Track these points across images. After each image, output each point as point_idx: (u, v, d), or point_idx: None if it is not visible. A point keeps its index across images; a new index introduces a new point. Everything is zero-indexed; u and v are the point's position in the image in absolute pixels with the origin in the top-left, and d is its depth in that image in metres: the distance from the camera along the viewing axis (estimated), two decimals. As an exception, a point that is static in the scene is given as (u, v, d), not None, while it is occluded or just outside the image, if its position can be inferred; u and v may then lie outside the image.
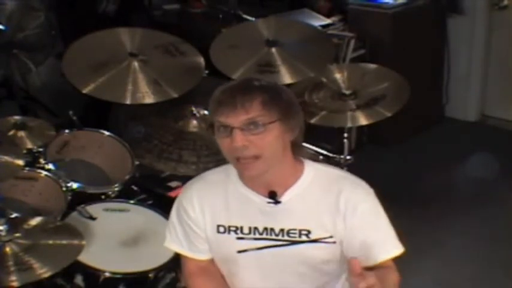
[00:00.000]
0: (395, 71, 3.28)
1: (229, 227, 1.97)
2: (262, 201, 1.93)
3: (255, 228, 1.95)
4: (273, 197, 1.92)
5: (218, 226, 1.98)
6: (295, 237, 1.93)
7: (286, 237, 1.93)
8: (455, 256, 3.57)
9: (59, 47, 4.14)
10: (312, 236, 1.92)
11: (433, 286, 3.39)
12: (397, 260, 1.95)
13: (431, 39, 4.78)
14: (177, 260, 2.50)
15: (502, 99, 4.92)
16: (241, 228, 1.96)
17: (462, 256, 3.57)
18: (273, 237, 1.94)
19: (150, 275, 2.52)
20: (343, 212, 1.90)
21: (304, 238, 1.92)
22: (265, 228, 1.94)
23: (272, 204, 1.93)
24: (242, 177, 1.94)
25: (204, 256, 2.06)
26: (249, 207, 1.95)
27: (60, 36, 4.27)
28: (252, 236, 1.95)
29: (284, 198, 1.93)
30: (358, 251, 1.91)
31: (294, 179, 1.94)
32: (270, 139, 1.84)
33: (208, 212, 1.99)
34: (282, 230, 1.93)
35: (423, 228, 3.74)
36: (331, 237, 1.92)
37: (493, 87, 4.97)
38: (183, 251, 2.08)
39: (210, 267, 2.07)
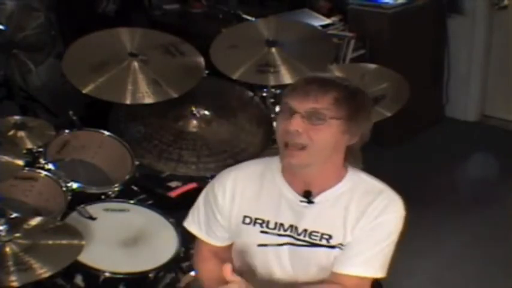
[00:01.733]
0: (395, 71, 3.28)
1: (256, 219, 1.97)
2: (296, 198, 1.93)
3: (281, 224, 1.94)
4: (307, 196, 1.92)
5: (245, 217, 1.98)
6: (315, 240, 1.92)
7: (307, 238, 1.93)
8: (455, 256, 3.58)
9: (59, 47, 4.15)
10: (332, 242, 1.92)
11: (432, 286, 3.39)
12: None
13: (431, 39, 4.78)
14: (177, 260, 2.51)
15: (502, 99, 4.92)
16: (268, 222, 1.96)
17: (462, 256, 3.57)
18: (295, 235, 1.94)
19: (150, 275, 2.52)
20: (365, 217, 1.89)
21: (324, 242, 1.92)
22: (291, 226, 1.94)
23: (304, 204, 1.92)
24: (284, 167, 1.93)
25: (219, 243, 2.07)
26: (280, 201, 1.95)
27: (60, 36, 4.28)
28: (276, 231, 1.95)
29: (317, 199, 1.92)
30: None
31: (332, 183, 1.93)
32: (326, 135, 1.83)
33: (238, 201, 1.99)
34: (305, 231, 1.93)
35: (423, 228, 3.74)
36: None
37: (493, 87, 4.97)
38: (200, 234, 2.08)
39: (222, 254, 2.08)
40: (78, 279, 2.48)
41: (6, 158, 2.57)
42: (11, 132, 2.96)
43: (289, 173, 1.94)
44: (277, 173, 1.97)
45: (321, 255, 1.93)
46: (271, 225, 1.95)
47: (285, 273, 1.98)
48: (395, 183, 1.98)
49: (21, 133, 2.97)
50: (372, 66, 3.48)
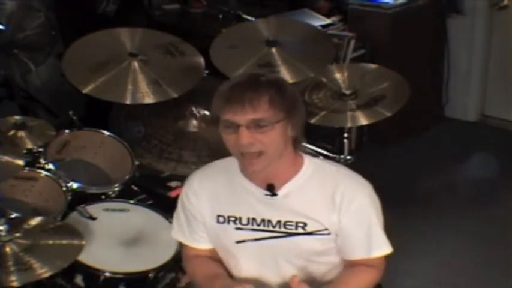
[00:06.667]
0: (395, 71, 3.28)
1: (229, 217, 2.01)
2: (260, 192, 1.98)
3: (253, 219, 1.99)
4: (271, 189, 1.96)
5: (218, 216, 2.03)
6: (291, 229, 1.96)
7: (282, 229, 1.97)
8: (455, 256, 3.57)
9: (59, 47, 4.15)
10: (308, 229, 1.96)
11: (432, 286, 3.39)
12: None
13: (431, 39, 4.78)
14: (177, 260, 2.51)
15: (502, 99, 4.92)
16: (240, 218, 2.00)
17: (462, 256, 3.57)
18: (270, 228, 1.98)
19: (150, 275, 2.52)
20: (339, 205, 1.94)
21: (300, 230, 1.96)
22: (263, 220, 1.98)
23: (269, 197, 1.97)
24: (245, 171, 1.98)
25: (205, 245, 2.10)
26: (248, 198, 1.99)
27: (60, 36, 4.27)
28: (250, 226, 1.99)
29: (281, 191, 1.97)
30: (345, 245, 1.97)
31: (292, 172, 1.98)
32: (274, 136, 1.88)
33: (208, 200, 2.04)
34: (278, 222, 1.97)
35: (423, 228, 3.75)
36: (326, 229, 1.96)
37: (493, 87, 4.97)
38: (186, 241, 2.13)
39: (209, 254, 2.11)
40: (78, 279, 2.48)
41: (6, 158, 2.57)
42: (11, 132, 2.96)
43: (250, 173, 1.98)
44: (237, 172, 2.01)
45: (300, 243, 1.97)
46: (244, 221, 2.00)
47: (269, 265, 2.01)
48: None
49: (21, 133, 2.97)
50: (372, 66, 3.49)
